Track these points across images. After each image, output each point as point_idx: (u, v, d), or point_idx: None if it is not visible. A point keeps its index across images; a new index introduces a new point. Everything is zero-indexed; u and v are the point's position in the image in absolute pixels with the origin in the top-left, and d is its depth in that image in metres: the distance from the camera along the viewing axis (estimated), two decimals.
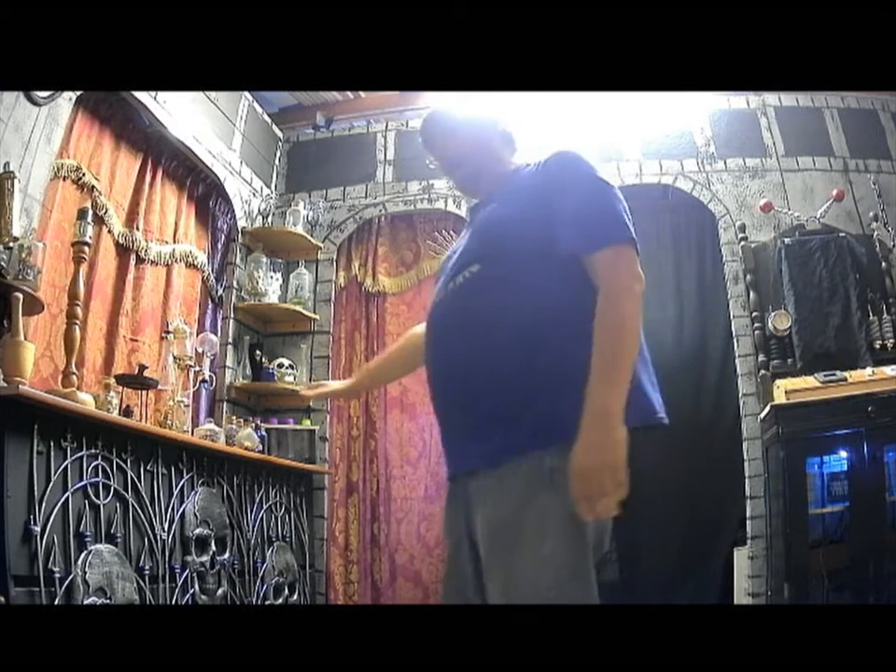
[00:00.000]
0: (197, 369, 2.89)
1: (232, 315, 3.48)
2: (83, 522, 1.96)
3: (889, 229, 3.30)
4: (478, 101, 1.47)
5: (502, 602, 1.12)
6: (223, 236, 3.55)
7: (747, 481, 3.19)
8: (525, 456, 1.14)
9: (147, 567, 2.17)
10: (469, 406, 1.23)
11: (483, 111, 1.46)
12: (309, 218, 3.81)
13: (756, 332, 3.32)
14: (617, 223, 1.21)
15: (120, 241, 2.84)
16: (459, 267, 1.30)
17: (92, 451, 2.04)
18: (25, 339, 1.96)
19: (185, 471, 2.46)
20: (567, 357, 1.16)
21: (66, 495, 1.92)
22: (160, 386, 2.62)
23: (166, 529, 2.30)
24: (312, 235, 3.78)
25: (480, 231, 1.33)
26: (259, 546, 2.87)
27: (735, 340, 3.41)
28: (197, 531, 2.44)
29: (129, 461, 2.19)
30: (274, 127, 3.98)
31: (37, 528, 1.79)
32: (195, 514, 2.45)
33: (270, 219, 3.76)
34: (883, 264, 3.26)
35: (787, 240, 3.35)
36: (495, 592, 1.14)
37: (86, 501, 2.00)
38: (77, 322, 2.15)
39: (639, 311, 1.17)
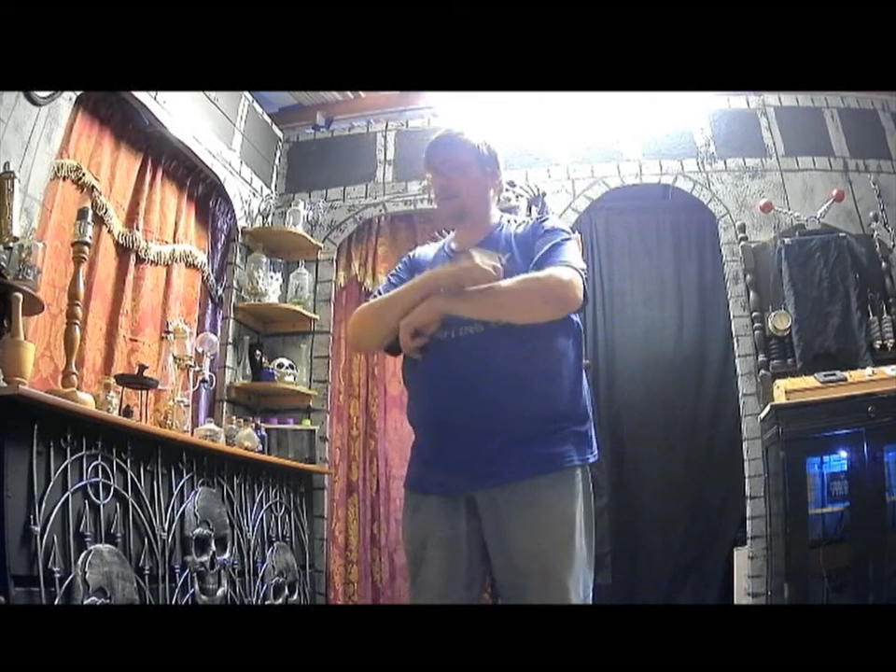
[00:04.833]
0: (197, 369, 2.89)
1: (232, 315, 3.48)
2: (83, 522, 1.96)
3: (889, 229, 3.29)
4: (486, 139, 1.52)
5: (540, 594, 1.27)
6: (223, 236, 3.54)
7: (747, 481, 3.19)
8: (566, 469, 1.35)
9: (147, 567, 2.17)
10: (515, 426, 1.36)
11: (488, 156, 1.51)
12: (309, 218, 3.81)
13: (756, 332, 3.31)
14: None
15: (120, 241, 2.84)
16: None
17: (92, 451, 2.04)
18: (25, 339, 1.96)
19: (185, 471, 2.46)
20: (566, 389, 1.40)
21: (66, 495, 1.91)
22: (160, 386, 2.62)
23: (166, 529, 2.30)
24: (312, 235, 3.78)
25: None
26: (259, 546, 2.87)
27: (735, 340, 3.40)
28: (197, 531, 2.44)
29: (129, 461, 2.19)
30: (274, 127, 3.98)
31: (37, 528, 1.79)
32: (195, 514, 2.45)
33: (270, 219, 3.76)
34: (883, 264, 3.26)
35: (787, 240, 3.35)
36: (532, 583, 1.29)
37: (86, 501, 1.99)
38: (77, 322, 2.15)
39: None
